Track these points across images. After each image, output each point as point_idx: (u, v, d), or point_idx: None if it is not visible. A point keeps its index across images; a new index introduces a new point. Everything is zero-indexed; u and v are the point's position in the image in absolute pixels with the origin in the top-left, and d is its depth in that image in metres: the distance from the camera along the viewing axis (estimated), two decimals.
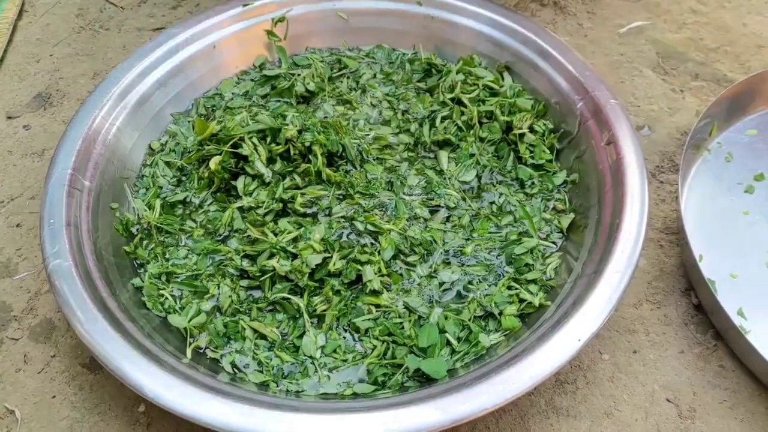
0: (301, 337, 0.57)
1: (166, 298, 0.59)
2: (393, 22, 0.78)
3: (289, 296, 0.58)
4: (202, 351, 0.56)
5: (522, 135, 0.67)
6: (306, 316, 0.57)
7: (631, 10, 0.91)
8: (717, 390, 0.58)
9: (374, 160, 0.67)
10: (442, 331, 0.55)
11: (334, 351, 0.56)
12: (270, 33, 0.77)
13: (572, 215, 0.63)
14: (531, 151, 0.67)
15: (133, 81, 0.69)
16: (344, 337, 0.57)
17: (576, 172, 0.66)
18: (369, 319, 0.57)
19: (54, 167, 0.61)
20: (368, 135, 0.70)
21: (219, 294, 0.59)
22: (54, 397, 0.58)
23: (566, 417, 0.56)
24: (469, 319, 0.57)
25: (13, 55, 0.86)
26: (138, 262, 0.62)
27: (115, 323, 0.53)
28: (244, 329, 0.57)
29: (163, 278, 0.60)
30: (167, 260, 0.62)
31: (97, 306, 0.53)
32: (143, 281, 0.60)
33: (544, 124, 0.68)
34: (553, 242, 0.62)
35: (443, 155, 0.67)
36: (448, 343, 0.55)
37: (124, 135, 0.67)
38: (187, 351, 0.55)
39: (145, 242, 0.63)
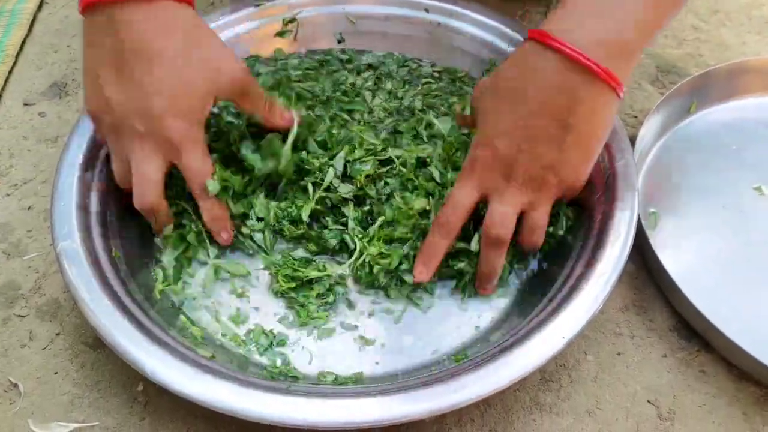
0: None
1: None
2: (400, 27, 0.80)
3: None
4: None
5: None
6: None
7: None
8: (697, 394, 0.60)
9: None
10: None
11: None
12: (280, 33, 0.79)
13: None
14: None
15: None
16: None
17: None
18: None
19: (66, 152, 0.63)
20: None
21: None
22: (56, 373, 0.60)
23: (549, 413, 0.58)
24: None
25: (32, 45, 0.89)
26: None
27: (119, 303, 0.55)
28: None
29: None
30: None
31: (102, 286, 0.55)
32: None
33: None
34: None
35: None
36: None
37: None
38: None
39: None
